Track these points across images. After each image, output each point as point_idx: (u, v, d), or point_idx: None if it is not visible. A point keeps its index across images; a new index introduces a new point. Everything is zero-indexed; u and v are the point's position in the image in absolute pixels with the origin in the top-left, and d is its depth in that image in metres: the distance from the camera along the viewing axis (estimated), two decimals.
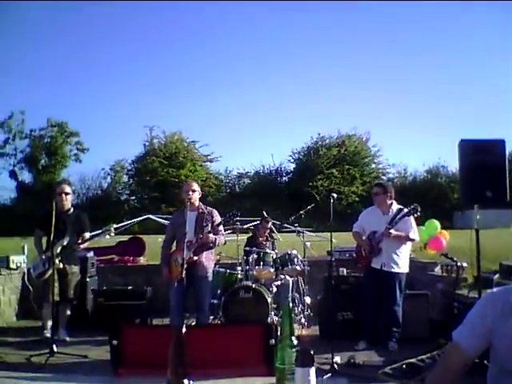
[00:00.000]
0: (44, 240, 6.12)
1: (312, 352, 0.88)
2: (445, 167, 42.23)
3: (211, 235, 5.68)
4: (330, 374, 4.14)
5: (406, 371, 3.11)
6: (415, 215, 5.75)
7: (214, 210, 6.02)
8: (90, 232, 6.29)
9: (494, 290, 1.88)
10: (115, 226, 6.15)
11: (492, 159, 5.37)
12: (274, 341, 1.79)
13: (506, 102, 58.04)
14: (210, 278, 5.93)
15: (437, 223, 9.76)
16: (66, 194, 6.12)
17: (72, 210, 6.20)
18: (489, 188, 5.33)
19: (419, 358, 2.01)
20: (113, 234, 6.05)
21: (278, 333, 1.83)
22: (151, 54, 62.39)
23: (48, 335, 5.73)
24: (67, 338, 6.02)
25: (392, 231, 5.61)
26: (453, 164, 38.05)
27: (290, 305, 1.68)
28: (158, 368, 1.25)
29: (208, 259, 5.86)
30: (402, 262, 5.74)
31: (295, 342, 1.64)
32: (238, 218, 6.20)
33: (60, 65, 59.49)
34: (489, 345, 1.81)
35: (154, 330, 2.02)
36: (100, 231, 6.05)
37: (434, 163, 42.94)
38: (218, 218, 5.90)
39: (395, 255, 5.70)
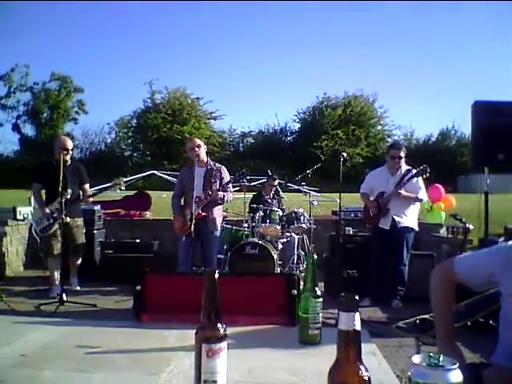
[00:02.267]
0: (42, 193, 6.01)
1: (357, 297, 0.87)
2: (456, 131, 41.82)
3: (220, 192, 5.68)
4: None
5: (419, 326, 3.18)
6: (424, 176, 5.72)
7: (223, 166, 6.00)
8: (99, 186, 6.24)
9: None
10: (124, 179, 6.09)
11: (506, 122, 5.28)
12: (296, 291, 1.79)
13: None
14: (218, 234, 5.97)
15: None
16: (70, 150, 5.91)
17: (70, 161, 6.00)
18: (501, 151, 5.27)
19: (432, 314, 2.05)
20: (123, 188, 5.98)
21: (301, 283, 1.84)
22: (156, 9, 60.89)
23: (54, 295, 5.59)
24: (78, 288, 6.11)
25: (401, 191, 5.60)
26: (465, 127, 37.75)
27: (315, 257, 1.67)
28: (181, 314, 1.26)
29: (217, 215, 5.88)
30: (409, 222, 5.76)
31: (318, 292, 1.65)
32: (247, 178, 6.19)
33: (65, 19, 58.37)
34: (484, 287, 1.96)
35: (178, 277, 2.03)
36: (110, 184, 5.99)
37: (448, 126, 42.55)
38: (226, 175, 5.89)
39: (403, 215, 5.72)
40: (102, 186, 6.18)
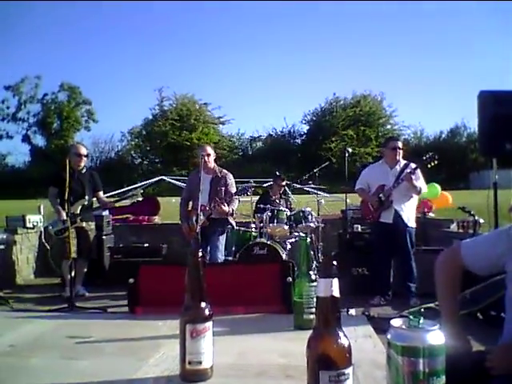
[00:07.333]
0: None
1: (335, 263, 0.84)
2: (466, 127, 41.58)
3: (225, 207, 5.57)
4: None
5: (423, 315, 3.11)
6: (432, 164, 5.60)
7: (229, 173, 5.94)
8: (110, 193, 6.38)
9: None
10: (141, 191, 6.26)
11: None
12: (291, 278, 1.76)
13: None
14: (224, 235, 5.91)
15: (438, 187, 9.68)
16: (84, 156, 6.18)
17: (85, 169, 6.25)
18: (508, 140, 5.19)
19: (437, 303, 2.01)
20: (140, 199, 6.09)
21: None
22: (161, 16, 61.44)
23: (68, 294, 5.55)
24: (86, 293, 6.11)
25: (412, 177, 5.43)
26: (475, 124, 37.37)
27: (308, 239, 1.64)
28: (177, 305, 1.22)
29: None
30: (411, 215, 5.65)
31: (313, 276, 1.61)
32: (252, 189, 6.20)
33: (75, 30, 58.88)
34: (489, 270, 1.87)
35: (172, 269, 2.00)
36: (128, 195, 6.27)
37: (458, 124, 42.35)
38: (232, 183, 5.85)
39: (405, 208, 5.59)
40: (119, 194, 6.27)
